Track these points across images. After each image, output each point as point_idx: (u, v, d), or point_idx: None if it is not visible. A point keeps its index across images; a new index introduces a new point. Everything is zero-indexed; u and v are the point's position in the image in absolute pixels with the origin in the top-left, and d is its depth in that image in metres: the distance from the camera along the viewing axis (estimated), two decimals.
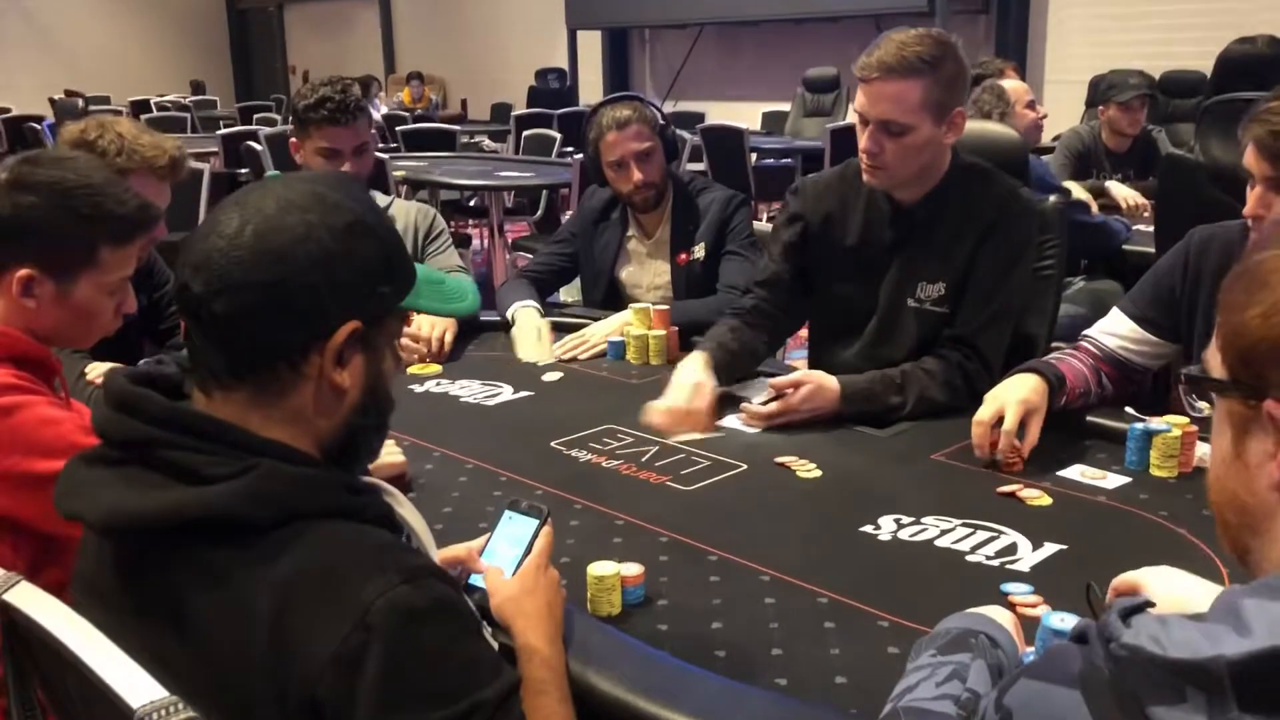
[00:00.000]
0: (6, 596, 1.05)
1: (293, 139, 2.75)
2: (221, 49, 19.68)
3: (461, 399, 2.23)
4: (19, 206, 1.46)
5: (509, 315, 2.65)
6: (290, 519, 0.94)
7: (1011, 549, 1.50)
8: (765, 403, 1.99)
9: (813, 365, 2.33)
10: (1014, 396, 1.78)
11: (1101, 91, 4.70)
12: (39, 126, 9.65)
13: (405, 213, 2.89)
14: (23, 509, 1.37)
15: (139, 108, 12.74)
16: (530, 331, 2.53)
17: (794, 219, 2.29)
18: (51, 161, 1.51)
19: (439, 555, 1.26)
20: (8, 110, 12.21)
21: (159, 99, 14.10)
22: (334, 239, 0.99)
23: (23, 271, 1.47)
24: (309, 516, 0.95)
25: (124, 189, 1.55)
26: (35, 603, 1.03)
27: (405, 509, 1.10)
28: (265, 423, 0.99)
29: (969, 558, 1.48)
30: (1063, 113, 8.81)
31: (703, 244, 2.78)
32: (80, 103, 9.39)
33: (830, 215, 2.25)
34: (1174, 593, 1.12)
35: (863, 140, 2.05)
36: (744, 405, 2.02)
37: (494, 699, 0.93)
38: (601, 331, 2.52)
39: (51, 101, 12.86)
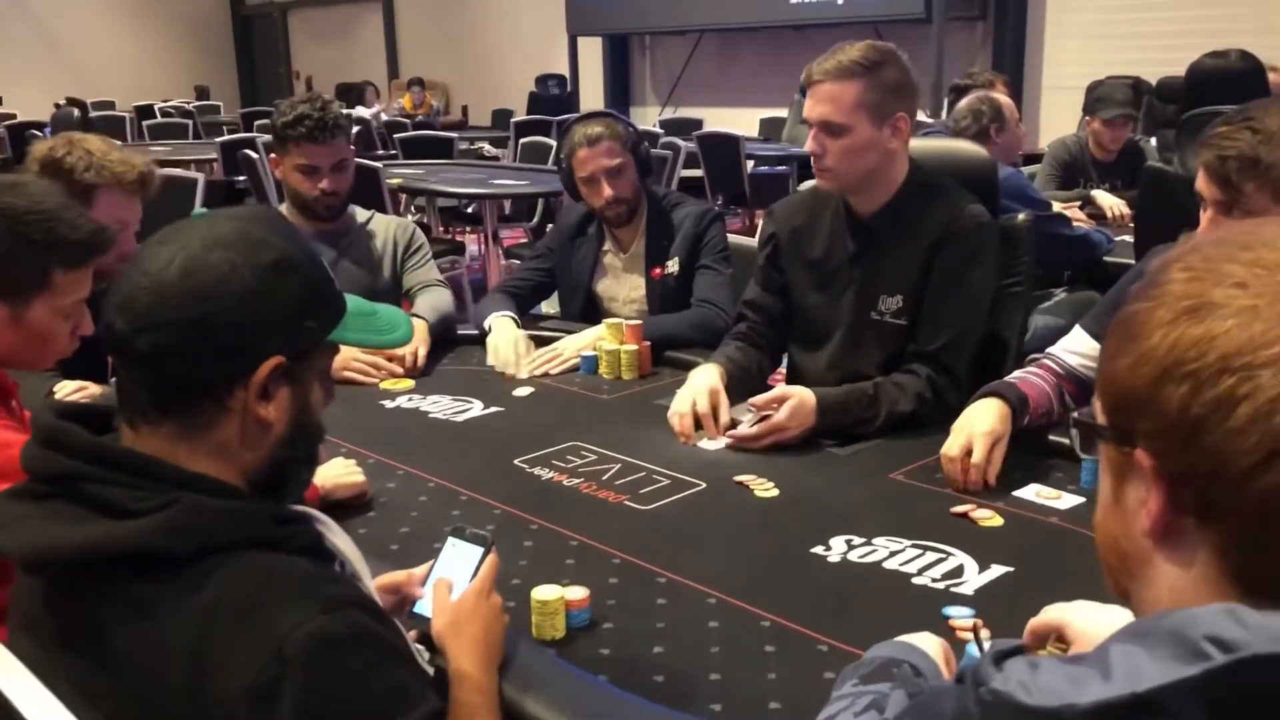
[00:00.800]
0: None
1: (272, 155, 2.77)
2: (226, 54, 19.75)
3: (431, 415, 2.24)
4: None
5: (485, 325, 2.67)
6: (212, 551, 0.95)
7: (958, 571, 1.51)
8: (752, 424, 2.00)
9: (790, 377, 2.37)
10: (981, 428, 1.80)
11: (1089, 102, 4.71)
12: (40, 134, 9.69)
13: (385, 227, 2.91)
14: None
15: (143, 113, 12.82)
16: (507, 342, 2.55)
17: (768, 239, 2.38)
18: (5, 188, 1.53)
19: (378, 580, 1.27)
20: (12, 116, 12.28)
21: (163, 104, 14.16)
22: (257, 276, 1.00)
23: None
24: (231, 549, 0.96)
25: (77, 214, 1.57)
26: None
27: (337, 537, 1.12)
28: (191, 456, 1.01)
29: (915, 580, 1.49)
30: (1059, 119, 8.82)
31: (677, 258, 2.80)
32: (77, 112, 9.44)
33: (798, 230, 2.31)
34: (1096, 630, 1.13)
35: (808, 143, 2.14)
36: (730, 432, 2.02)
37: None
38: (574, 346, 2.54)
39: (57, 107, 12.92)
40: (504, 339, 2.56)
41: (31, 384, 1.90)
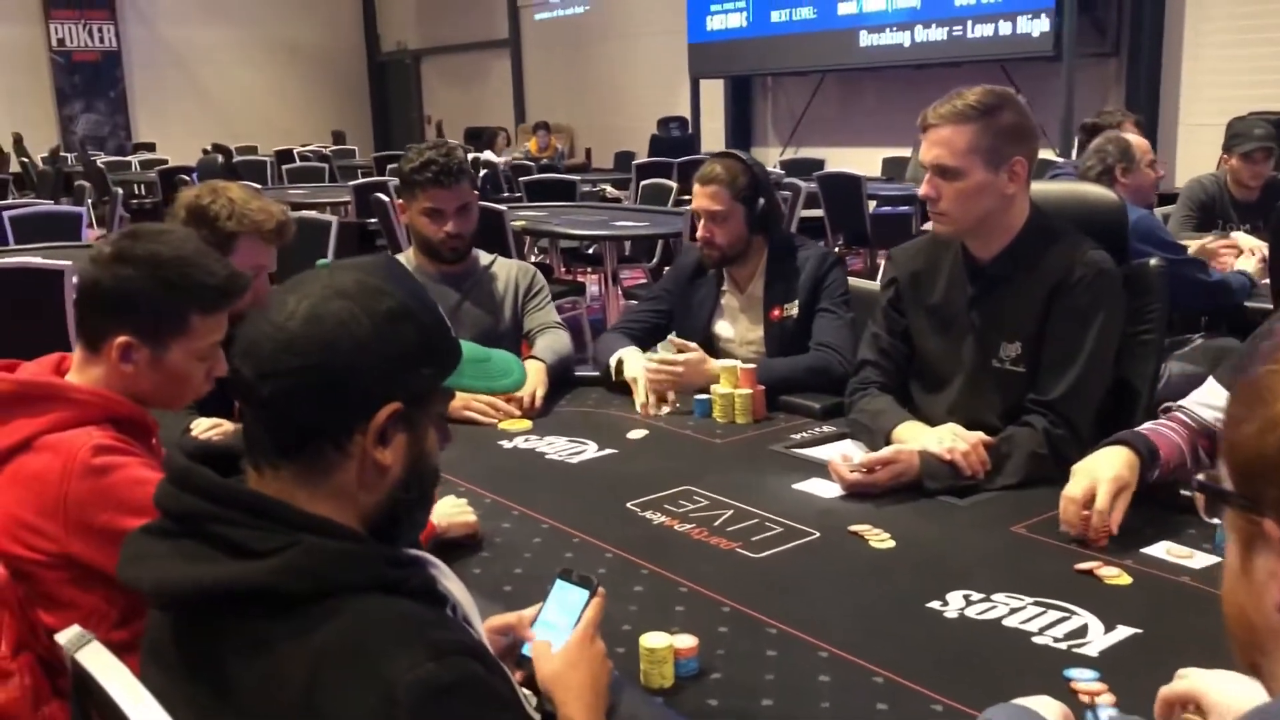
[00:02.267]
0: (78, 655, 1.13)
1: (399, 200, 2.86)
2: (361, 99, 20.55)
3: (547, 456, 2.27)
4: (119, 278, 1.57)
5: (612, 363, 2.69)
6: (330, 593, 0.98)
7: (1082, 631, 1.46)
8: (853, 469, 1.98)
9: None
10: (1106, 473, 1.73)
11: (1227, 139, 4.53)
12: (188, 178, 10.22)
13: (507, 270, 2.97)
14: (112, 563, 1.45)
15: (283, 157, 13.39)
16: (644, 378, 2.58)
17: (889, 283, 2.36)
18: (150, 236, 1.62)
19: (490, 622, 1.29)
20: (163, 161, 12.99)
21: (301, 149, 14.79)
22: (374, 324, 1.04)
23: (121, 339, 1.58)
24: (348, 590, 0.99)
25: (214, 260, 1.65)
26: (100, 664, 1.10)
27: (450, 580, 1.14)
28: (311, 498, 1.05)
29: (1036, 639, 1.44)
30: (1197, 157, 8.51)
31: (797, 301, 2.79)
32: (221, 158, 9.92)
33: (918, 274, 2.29)
34: (1235, 702, 1.07)
35: (922, 187, 2.13)
36: (831, 462, 2.01)
37: None
38: (696, 371, 2.57)
39: (204, 153, 13.61)
40: (639, 372, 2.60)
41: (169, 420, 2.00)
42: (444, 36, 18.60)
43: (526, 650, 1.30)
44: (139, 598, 1.46)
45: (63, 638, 1.16)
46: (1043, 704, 1.11)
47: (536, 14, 16.64)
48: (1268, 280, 3.72)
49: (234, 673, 0.99)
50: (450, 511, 1.78)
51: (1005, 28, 9.65)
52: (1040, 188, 2.26)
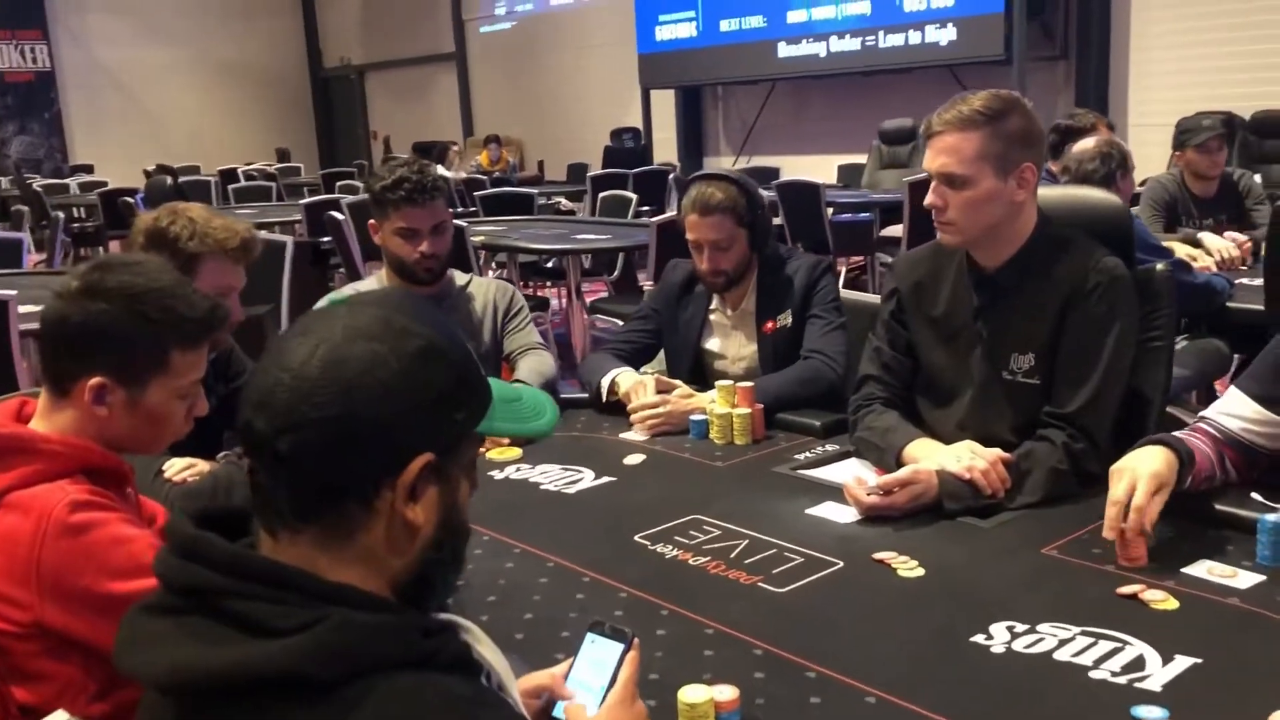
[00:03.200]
0: None
1: (371, 221, 2.74)
2: (306, 116, 20.25)
3: (542, 486, 2.16)
4: (90, 314, 1.43)
5: (604, 385, 2.59)
6: (360, 673, 0.87)
7: (1139, 663, 1.37)
8: (870, 492, 1.89)
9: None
10: (1146, 469, 1.66)
11: (1177, 139, 4.55)
12: (132, 200, 9.94)
13: (484, 290, 2.86)
14: (93, 632, 1.32)
15: (227, 177, 13.12)
16: (639, 389, 2.50)
17: (890, 294, 2.27)
18: (121, 267, 1.49)
19: (523, 684, 1.18)
20: (104, 184, 12.66)
21: (246, 168, 14.51)
22: (403, 367, 0.93)
23: (95, 380, 1.44)
24: (380, 669, 0.87)
25: (193, 290, 1.52)
26: None
27: (483, 645, 1.03)
28: (334, 565, 0.93)
29: (1092, 674, 1.36)
30: (1148, 157, 8.57)
31: (789, 311, 2.70)
32: (169, 179, 9.68)
33: (920, 284, 2.21)
34: None
35: (928, 196, 2.04)
36: (846, 486, 1.92)
37: None
38: (683, 408, 2.45)
39: (146, 174, 13.28)
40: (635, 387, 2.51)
41: (140, 462, 1.86)
42: (388, 51, 18.38)
43: (558, 712, 1.19)
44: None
45: None
46: None
47: (482, 26, 16.50)
48: (1244, 268, 3.72)
49: None
50: None
51: (955, 32, 9.68)
52: (1045, 193, 2.18)
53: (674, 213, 2.67)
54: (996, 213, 2.02)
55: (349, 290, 2.79)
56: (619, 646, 1.21)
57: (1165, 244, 3.79)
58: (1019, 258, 2.07)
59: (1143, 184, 5.14)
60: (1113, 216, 2.22)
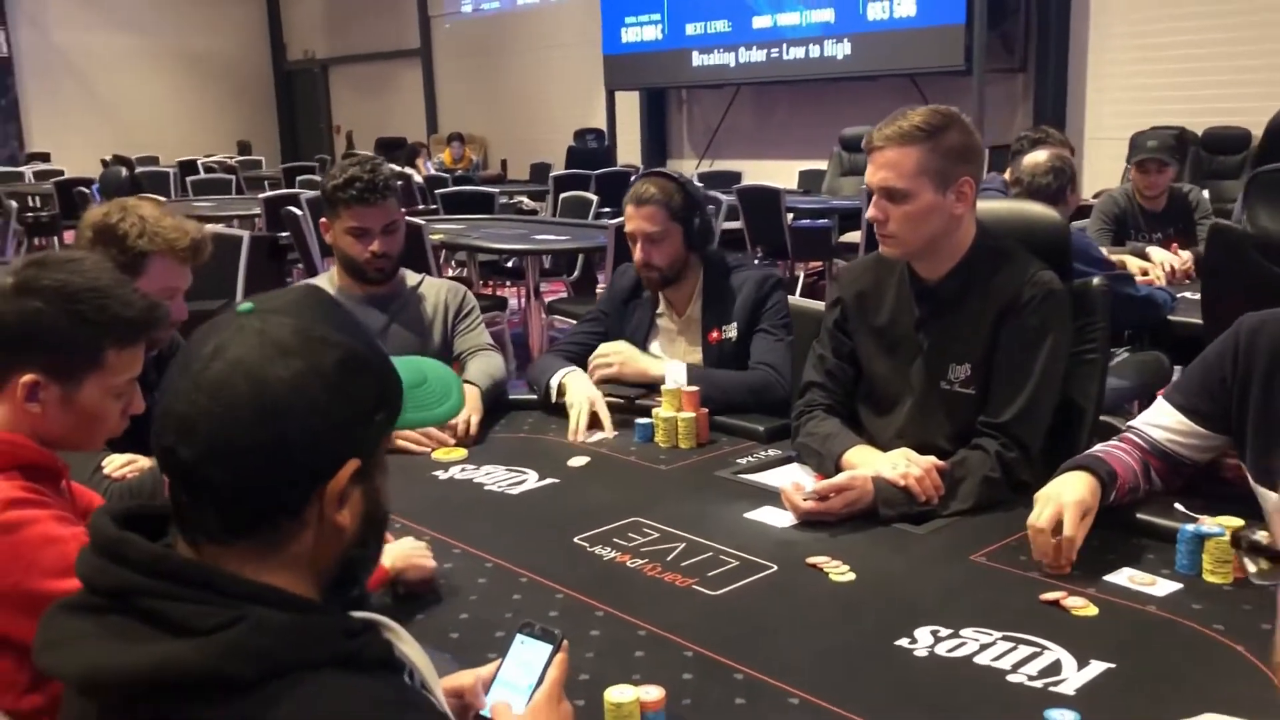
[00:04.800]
0: None
1: (323, 219, 2.74)
2: (268, 109, 20.07)
3: (485, 487, 2.18)
4: (24, 312, 1.43)
5: (554, 384, 2.61)
6: (281, 673, 0.88)
7: (1055, 667, 1.41)
8: (806, 497, 1.92)
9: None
10: (1070, 497, 1.70)
11: (1129, 152, 4.66)
12: (87, 190, 9.82)
13: (435, 291, 2.86)
14: (22, 630, 1.32)
15: (186, 168, 12.98)
16: (584, 404, 2.50)
17: (834, 303, 2.32)
18: (57, 264, 1.49)
19: (446, 683, 1.20)
20: (60, 173, 12.48)
21: (206, 159, 14.36)
22: (326, 384, 0.94)
23: (27, 377, 1.44)
24: (300, 668, 0.89)
25: (131, 290, 1.52)
26: None
27: (406, 644, 1.04)
28: (259, 570, 0.94)
29: (1010, 677, 1.40)
30: (1103, 170, 8.74)
31: (735, 324, 2.73)
32: (124, 171, 9.56)
33: (864, 294, 2.25)
34: None
35: (869, 209, 2.09)
36: (784, 491, 1.96)
37: None
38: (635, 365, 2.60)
39: (104, 163, 13.11)
40: (581, 398, 2.52)
41: (78, 458, 1.85)
42: (353, 45, 18.28)
43: (486, 712, 1.21)
44: None
45: None
46: None
47: (447, 21, 16.44)
48: (1188, 282, 3.81)
49: None
50: (407, 551, 1.67)
51: (915, 42, 9.78)
52: (985, 206, 2.24)
53: None
54: (936, 226, 2.06)
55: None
56: (548, 648, 1.23)
57: (1113, 257, 3.89)
58: (958, 270, 2.12)
59: (1096, 196, 5.24)
60: (1050, 230, 2.27)
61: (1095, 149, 9.28)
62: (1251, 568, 1.61)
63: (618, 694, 1.27)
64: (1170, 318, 3.55)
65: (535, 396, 2.70)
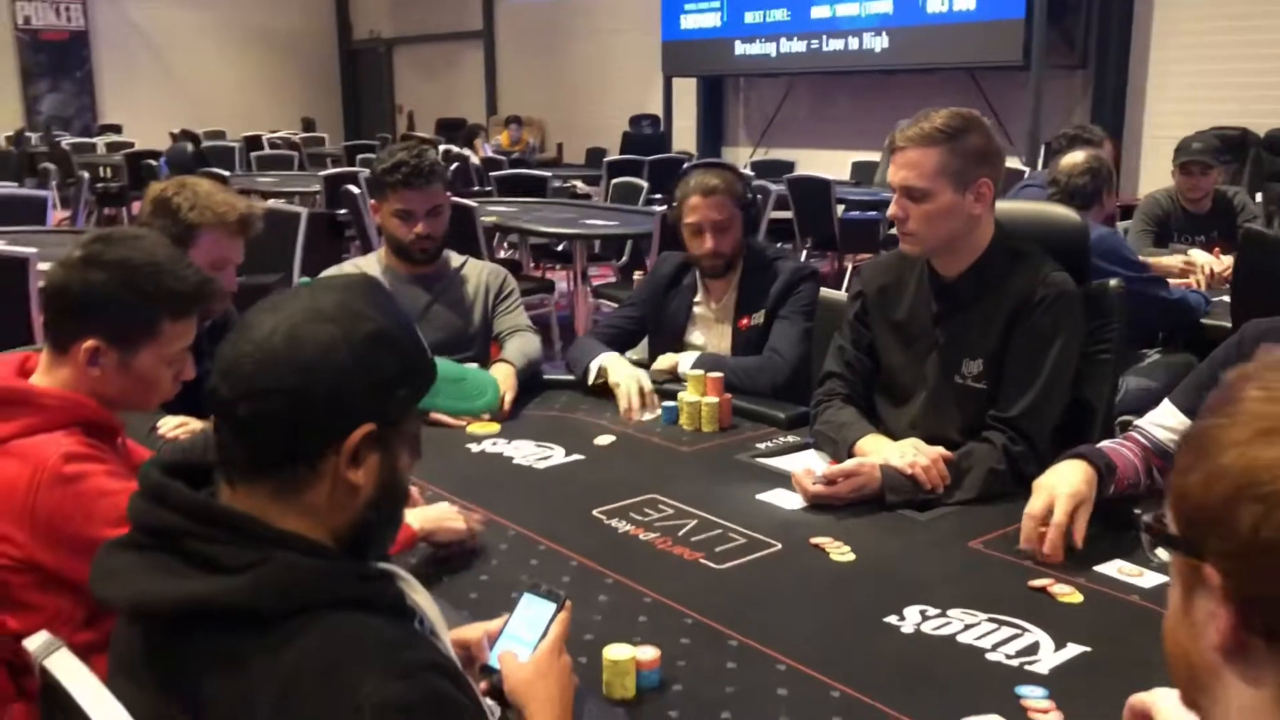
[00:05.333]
0: (46, 662, 1.14)
1: (372, 201, 2.87)
2: (333, 87, 20.38)
3: (514, 460, 2.29)
4: (88, 283, 1.57)
5: (593, 367, 2.71)
6: (300, 609, 1.00)
7: (1033, 648, 1.49)
8: (815, 481, 2.01)
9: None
10: (1064, 488, 1.78)
11: (1174, 155, 4.64)
12: (155, 163, 10.11)
13: (478, 272, 2.98)
14: (79, 571, 1.46)
15: (251, 144, 13.27)
16: (632, 384, 2.59)
17: (856, 296, 2.40)
18: (121, 240, 1.62)
19: (455, 634, 1.31)
20: (130, 145, 12.84)
21: (271, 135, 14.65)
22: (355, 350, 1.05)
23: (89, 342, 1.58)
24: (318, 607, 1.01)
25: (186, 265, 1.66)
26: (69, 671, 1.12)
27: (418, 594, 1.15)
28: (283, 515, 1.06)
29: (989, 655, 1.48)
30: (1162, 170, 8.59)
31: (764, 311, 2.82)
32: (189, 145, 9.83)
33: (885, 289, 2.33)
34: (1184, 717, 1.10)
35: (890, 207, 2.17)
36: (794, 474, 2.05)
37: None
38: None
39: (172, 136, 13.45)
40: (627, 378, 2.62)
41: (136, 419, 2.00)
42: (417, 26, 18.49)
43: (493, 662, 1.32)
44: None
45: (31, 644, 1.17)
46: None
47: (510, 3, 16.57)
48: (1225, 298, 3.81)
49: (204, 689, 1.00)
50: (437, 515, 1.78)
51: (974, 36, 9.73)
52: (1005, 207, 2.30)
53: None
54: (954, 225, 2.13)
55: (349, 266, 2.93)
56: (552, 606, 1.34)
57: (1150, 260, 3.90)
58: (975, 268, 2.19)
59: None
60: (1069, 232, 2.33)
61: (1154, 148, 9.17)
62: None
63: (615, 652, 1.38)
64: (1204, 320, 3.57)
65: (572, 377, 2.81)
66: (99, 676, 1.11)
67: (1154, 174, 8.63)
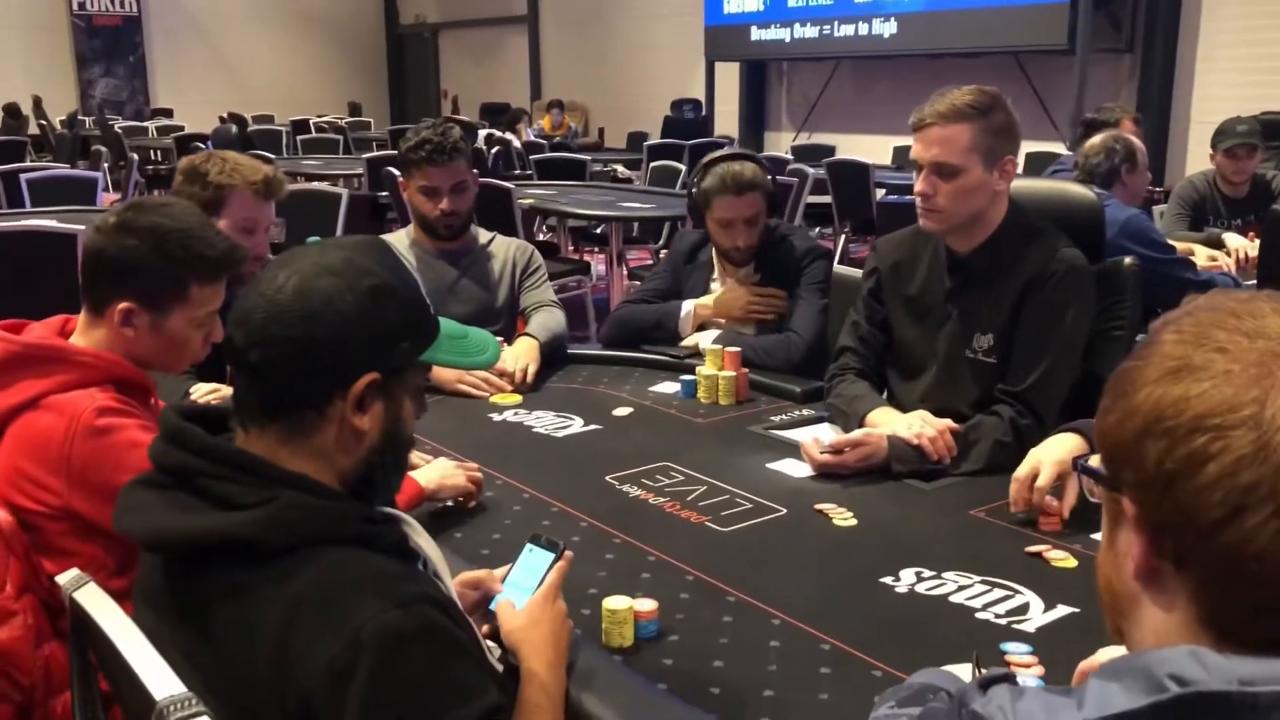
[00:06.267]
0: (76, 595, 1.22)
1: (400, 179, 2.95)
2: (379, 72, 20.58)
3: (534, 429, 2.36)
4: (123, 248, 1.66)
5: (685, 312, 2.82)
6: (304, 544, 1.07)
7: (1023, 609, 1.54)
8: (823, 450, 2.06)
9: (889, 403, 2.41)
10: (1051, 456, 1.82)
11: (1213, 137, 4.60)
12: (202, 146, 10.30)
13: (505, 249, 3.05)
14: (110, 519, 1.55)
15: (298, 127, 13.45)
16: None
17: (870, 272, 2.43)
18: (153, 208, 1.71)
19: (461, 577, 1.38)
20: (180, 128, 13.08)
21: (318, 119, 14.85)
22: (359, 301, 1.12)
23: (124, 304, 1.67)
24: (322, 543, 1.08)
25: (214, 233, 1.75)
26: (97, 603, 1.20)
27: (421, 538, 1.22)
28: (292, 457, 1.13)
29: (979, 614, 1.52)
30: (1207, 155, 8.52)
31: (782, 290, 2.87)
32: (235, 128, 10.01)
33: (898, 264, 2.36)
34: None
35: (918, 184, 2.17)
36: (803, 444, 2.10)
37: (471, 718, 1.04)
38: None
39: (221, 120, 13.69)
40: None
41: (170, 385, 2.09)
42: (463, 11, 18.62)
43: (494, 606, 1.38)
44: (135, 549, 1.57)
45: (63, 579, 1.25)
46: (966, 671, 1.19)
47: None
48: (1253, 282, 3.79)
49: (216, 617, 1.08)
50: (442, 472, 1.86)
51: (1019, 19, 9.64)
52: (1022, 184, 2.33)
53: None
54: (979, 201, 2.16)
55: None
56: (551, 555, 1.40)
57: (1180, 243, 3.89)
58: (989, 244, 2.22)
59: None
60: (1084, 210, 2.35)
61: (1201, 133, 9.01)
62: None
63: (614, 602, 1.44)
64: None
65: (593, 351, 2.87)
66: None
67: (1199, 159, 8.49)
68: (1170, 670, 0.66)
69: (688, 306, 2.83)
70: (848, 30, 11.44)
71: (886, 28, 11.02)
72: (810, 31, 11.82)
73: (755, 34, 12.30)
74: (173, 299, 1.70)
